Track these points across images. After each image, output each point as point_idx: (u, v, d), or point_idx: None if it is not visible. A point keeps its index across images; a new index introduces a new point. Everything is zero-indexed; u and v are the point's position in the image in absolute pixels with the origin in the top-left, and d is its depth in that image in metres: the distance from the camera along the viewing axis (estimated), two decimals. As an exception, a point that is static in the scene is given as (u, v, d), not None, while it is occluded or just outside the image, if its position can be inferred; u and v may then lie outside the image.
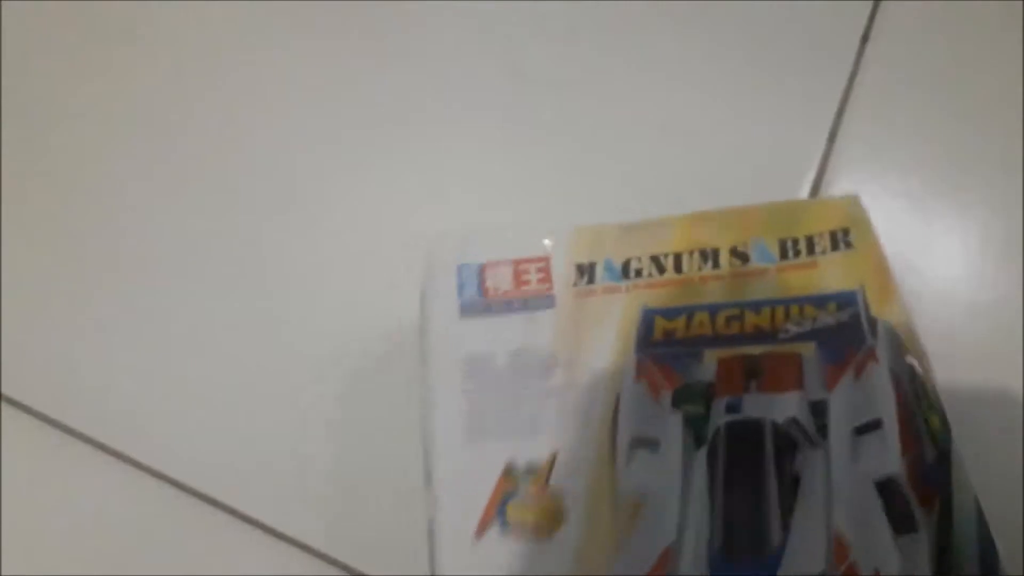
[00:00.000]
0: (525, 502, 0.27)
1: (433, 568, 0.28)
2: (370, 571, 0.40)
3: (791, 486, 0.27)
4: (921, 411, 0.29)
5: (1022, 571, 0.32)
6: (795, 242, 0.32)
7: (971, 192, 0.48)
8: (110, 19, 0.61)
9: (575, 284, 0.32)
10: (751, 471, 0.28)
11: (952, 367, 0.35)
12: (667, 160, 0.46)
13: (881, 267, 0.31)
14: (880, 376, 0.29)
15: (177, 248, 0.52)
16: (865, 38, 0.51)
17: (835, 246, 0.32)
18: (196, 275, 0.51)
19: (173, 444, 0.45)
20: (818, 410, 0.29)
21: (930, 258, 0.47)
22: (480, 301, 0.31)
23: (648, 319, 0.31)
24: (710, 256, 0.32)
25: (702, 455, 0.28)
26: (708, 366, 0.30)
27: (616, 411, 0.29)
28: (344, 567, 0.41)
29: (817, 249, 0.32)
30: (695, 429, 0.28)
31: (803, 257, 0.32)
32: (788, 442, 0.28)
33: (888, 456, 0.27)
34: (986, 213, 0.47)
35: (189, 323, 0.49)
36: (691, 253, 0.32)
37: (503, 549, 0.27)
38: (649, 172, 0.44)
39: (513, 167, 0.48)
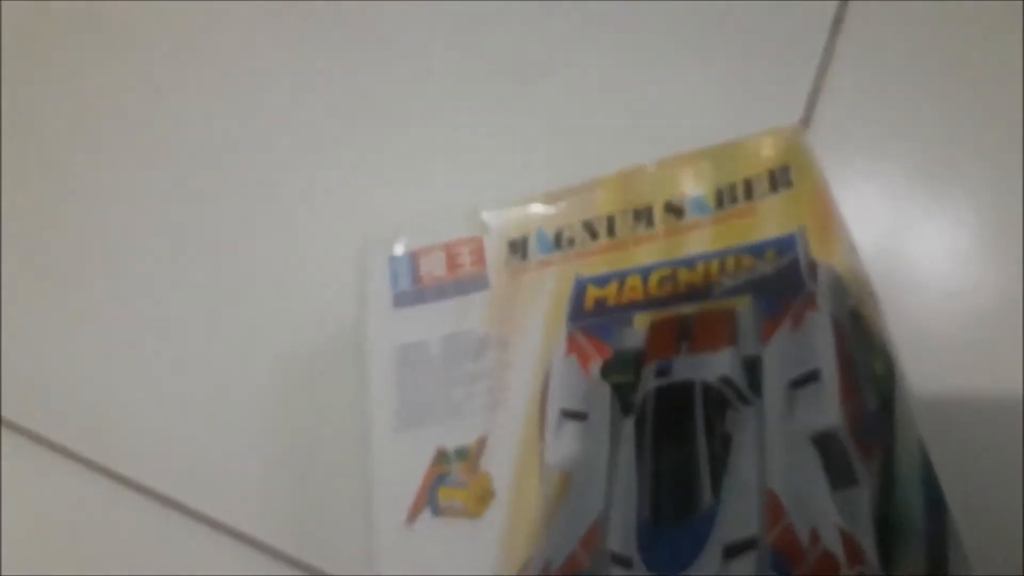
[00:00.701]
0: (455, 485, 0.28)
1: (370, 554, 0.28)
2: (316, 563, 0.40)
3: (723, 447, 0.26)
4: (865, 358, 0.27)
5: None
6: (732, 188, 0.30)
7: (946, 176, 0.45)
8: (86, 23, 0.63)
9: (508, 262, 0.32)
10: (680, 435, 0.27)
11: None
12: (635, 146, 0.44)
13: (823, 206, 0.29)
14: (819, 325, 0.27)
15: (121, 252, 0.52)
16: (838, 21, 0.47)
17: (774, 187, 0.30)
18: (143, 279, 0.51)
19: (126, 444, 0.45)
20: (752, 366, 0.27)
21: (903, 242, 0.44)
22: (413, 290, 0.32)
23: (580, 289, 0.30)
24: (643, 215, 0.31)
25: (630, 424, 0.27)
26: (639, 332, 0.29)
27: (546, 387, 0.29)
28: (290, 559, 0.41)
29: (756, 193, 0.30)
30: (623, 398, 0.28)
31: (741, 203, 0.30)
32: (719, 402, 0.27)
33: (826, 408, 0.26)
34: (962, 197, 0.44)
35: (128, 328, 0.49)
36: (624, 214, 0.31)
37: (435, 532, 0.27)
38: (614, 158, 0.42)
39: (447, 151, 0.47)
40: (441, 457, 0.28)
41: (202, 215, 0.56)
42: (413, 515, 0.28)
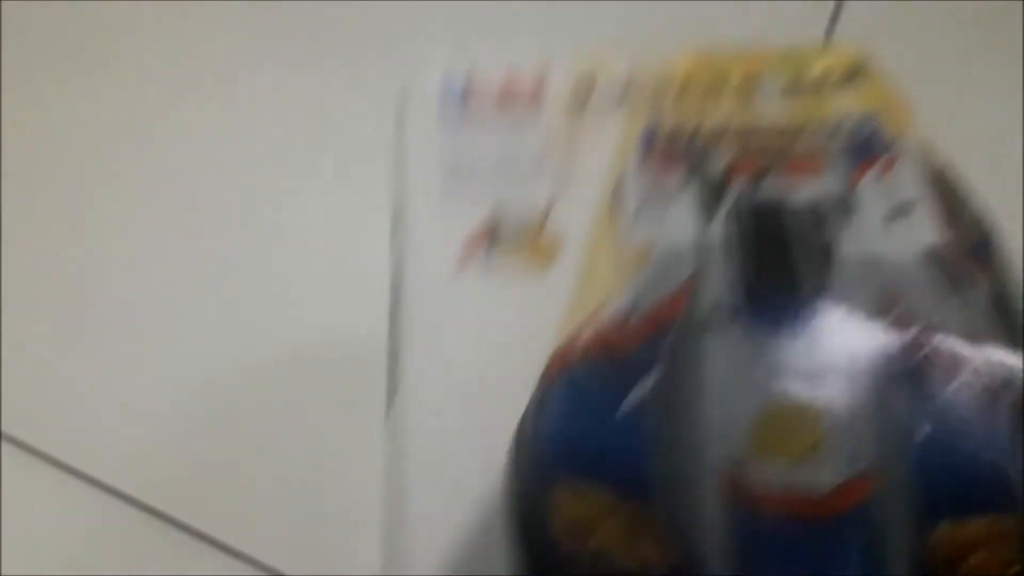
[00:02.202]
0: (514, 241, 0.23)
1: (396, 321, 0.23)
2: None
3: (823, 254, 0.24)
4: (958, 201, 0.26)
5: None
6: (803, 79, 0.31)
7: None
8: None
9: (570, 105, 0.30)
10: (773, 239, 0.24)
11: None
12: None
13: (896, 98, 0.30)
14: (908, 168, 0.26)
15: (124, 265, 0.53)
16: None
17: (846, 81, 0.30)
18: (147, 292, 0.52)
19: (127, 459, 0.46)
20: (844, 203, 0.26)
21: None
22: (466, 109, 0.29)
23: (650, 132, 0.28)
24: (715, 89, 0.30)
25: (716, 227, 0.24)
26: (720, 159, 0.27)
27: (619, 188, 0.26)
28: None
29: (828, 84, 0.30)
30: (707, 207, 0.25)
31: (812, 93, 0.30)
32: (814, 216, 0.25)
33: (927, 229, 0.24)
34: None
35: (130, 342, 0.50)
36: (694, 85, 0.31)
37: (485, 288, 0.22)
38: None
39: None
40: (496, 216, 0.24)
41: (204, 230, 0.55)
42: (461, 267, 0.23)
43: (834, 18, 0.54)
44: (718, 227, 0.24)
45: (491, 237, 0.23)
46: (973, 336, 0.21)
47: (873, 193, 0.26)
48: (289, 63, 0.60)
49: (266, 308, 0.51)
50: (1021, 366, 0.20)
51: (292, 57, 0.60)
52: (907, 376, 0.20)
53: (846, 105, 0.30)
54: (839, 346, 0.20)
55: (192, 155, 0.58)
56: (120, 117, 0.60)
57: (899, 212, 0.25)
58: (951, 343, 0.20)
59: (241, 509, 0.46)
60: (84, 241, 0.54)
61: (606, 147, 0.28)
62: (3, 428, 0.47)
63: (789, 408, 0.19)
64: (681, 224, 0.24)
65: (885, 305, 0.22)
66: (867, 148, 0.27)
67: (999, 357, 0.20)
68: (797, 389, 0.19)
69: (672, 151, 0.27)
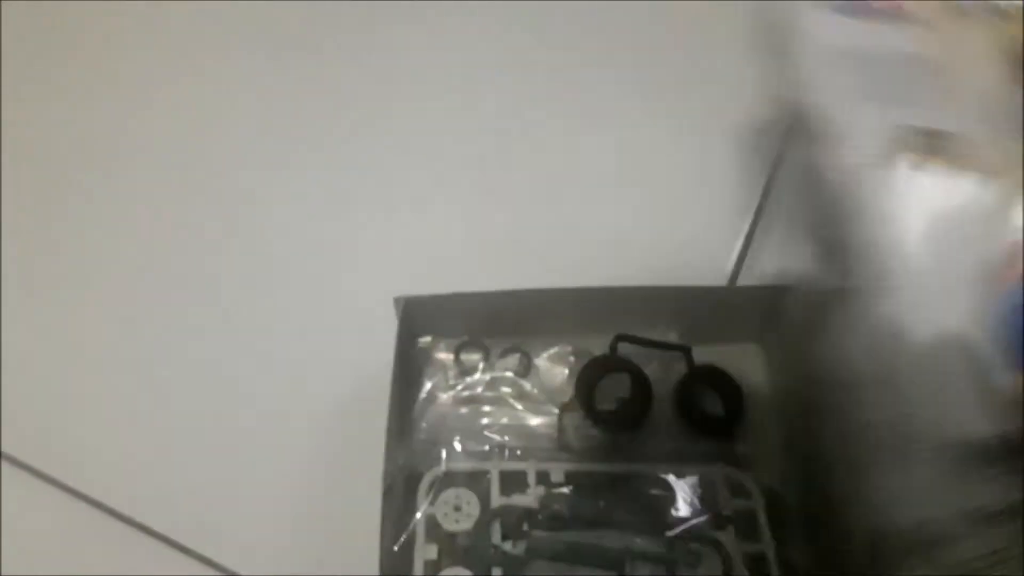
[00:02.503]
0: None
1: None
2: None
3: None
4: None
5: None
6: None
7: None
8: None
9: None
10: None
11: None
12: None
13: None
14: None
15: (129, 285, 0.55)
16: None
17: None
18: (156, 317, 0.54)
19: (134, 486, 0.48)
20: None
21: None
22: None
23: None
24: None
25: None
26: None
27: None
28: None
29: None
30: None
31: None
32: None
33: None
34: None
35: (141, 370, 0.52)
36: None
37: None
38: None
39: None
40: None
41: (224, 259, 0.57)
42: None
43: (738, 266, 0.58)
44: None
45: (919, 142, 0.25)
46: None
47: None
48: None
49: (270, 326, 0.53)
50: None
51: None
52: None
53: None
54: None
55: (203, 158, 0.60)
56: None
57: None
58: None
59: (235, 529, 0.48)
60: (112, 267, 0.56)
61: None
62: (3, 448, 0.48)
63: None
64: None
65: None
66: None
67: None
68: None
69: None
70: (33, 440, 0.49)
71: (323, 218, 0.57)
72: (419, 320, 0.50)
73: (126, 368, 0.52)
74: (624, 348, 0.50)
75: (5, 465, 0.49)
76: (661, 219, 0.57)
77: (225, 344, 0.53)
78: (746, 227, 0.57)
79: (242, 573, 0.47)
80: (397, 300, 0.48)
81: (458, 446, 0.46)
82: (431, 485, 0.44)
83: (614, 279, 0.49)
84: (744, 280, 0.56)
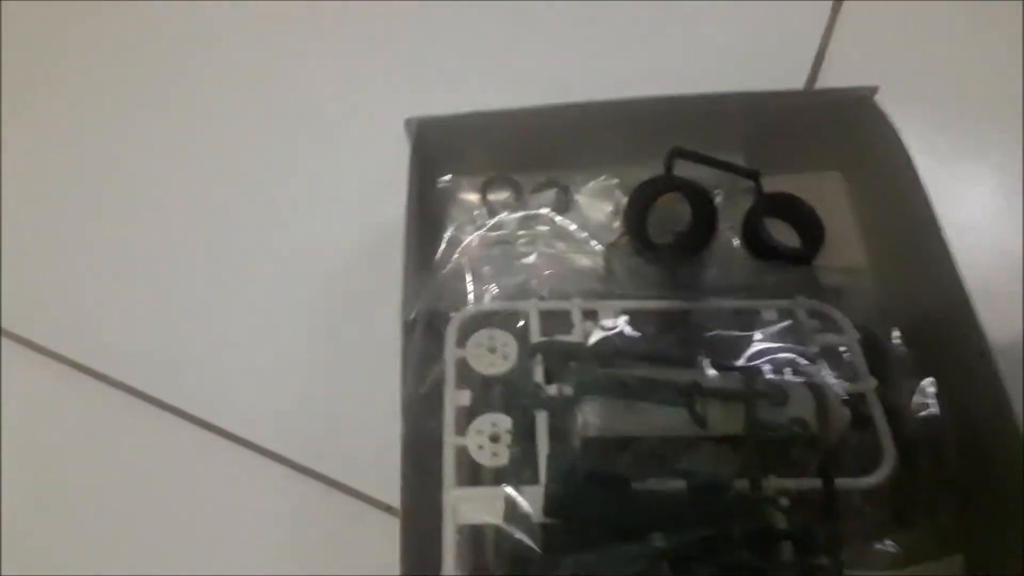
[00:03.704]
0: None
1: None
2: (348, 482, 0.40)
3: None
4: None
5: None
6: None
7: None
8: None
9: None
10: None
11: None
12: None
13: None
14: None
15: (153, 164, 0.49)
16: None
17: None
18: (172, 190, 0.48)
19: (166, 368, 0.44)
20: None
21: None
22: None
23: None
24: None
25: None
26: None
27: None
28: (327, 480, 0.40)
29: None
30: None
31: None
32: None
33: None
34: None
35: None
36: None
37: None
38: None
39: None
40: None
41: (227, 102, 0.51)
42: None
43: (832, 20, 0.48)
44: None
45: None
46: None
47: None
48: None
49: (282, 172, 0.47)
50: None
51: None
52: None
53: None
54: None
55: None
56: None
57: None
58: None
59: (231, 394, 0.42)
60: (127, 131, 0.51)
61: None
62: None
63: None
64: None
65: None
66: None
67: None
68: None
69: None
70: (34, 313, 0.45)
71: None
72: (436, 150, 0.42)
73: (128, 226, 0.46)
74: (682, 172, 0.42)
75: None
76: (724, 11, 0.49)
77: (229, 195, 0.47)
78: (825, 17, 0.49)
79: (256, 440, 0.41)
80: (409, 122, 0.41)
81: (490, 287, 0.40)
82: (460, 326, 0.38)
83: (667, 89, 0.41)
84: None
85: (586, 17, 0.50)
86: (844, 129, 0.43)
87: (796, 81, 0.46)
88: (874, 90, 0.41)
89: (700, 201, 0.39)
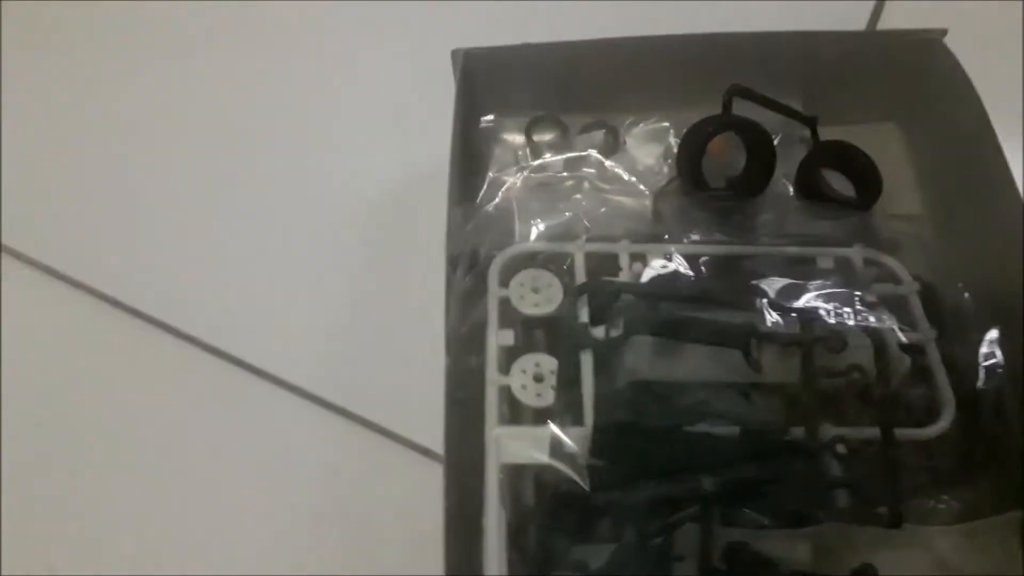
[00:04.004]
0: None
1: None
2: (385, 424, 0.39)
3: None
4: None
5: None
6: None
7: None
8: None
9: None
10: None
11: None
12: None
13: None
14: None
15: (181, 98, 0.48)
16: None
17: None
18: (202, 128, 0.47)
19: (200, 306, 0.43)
20: None
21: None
22: None
23: None
24: None
25: None
26: None
27: None
28: (362, 420, 0.39)
29: None
30: None
31: None
32: None
33: None
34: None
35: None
36: None
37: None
38: None
39: None
40: None
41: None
42: None
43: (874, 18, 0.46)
44: None
45: None
46: None
47: None
48: None
49: (323, 134, 0.47)
50: None
51: None
52: None
53: None
54: None
55: None
56: None
57: None
58: None
59: (264, 331, 0.41)
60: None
61: None
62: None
63: None
64: None
65: None
66: None
67: None
68: None
69: None
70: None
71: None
72: (481, 86, 0.41)
73: (163, 152, 0.46)
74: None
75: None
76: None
77: (267, 125, 0.46)
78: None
79: (290, 379, 0.41)
80: (455, 53, 0.39)
81: (533, 228, 0.39)
82: (503, 266, 0.37)
83: (719, 26, 0.40)
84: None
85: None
86: (907, 75, 0.42)
87: (857, 22, 0.44)
88: (944, 32, 0.39)
89: (759, 142, 0.38)
